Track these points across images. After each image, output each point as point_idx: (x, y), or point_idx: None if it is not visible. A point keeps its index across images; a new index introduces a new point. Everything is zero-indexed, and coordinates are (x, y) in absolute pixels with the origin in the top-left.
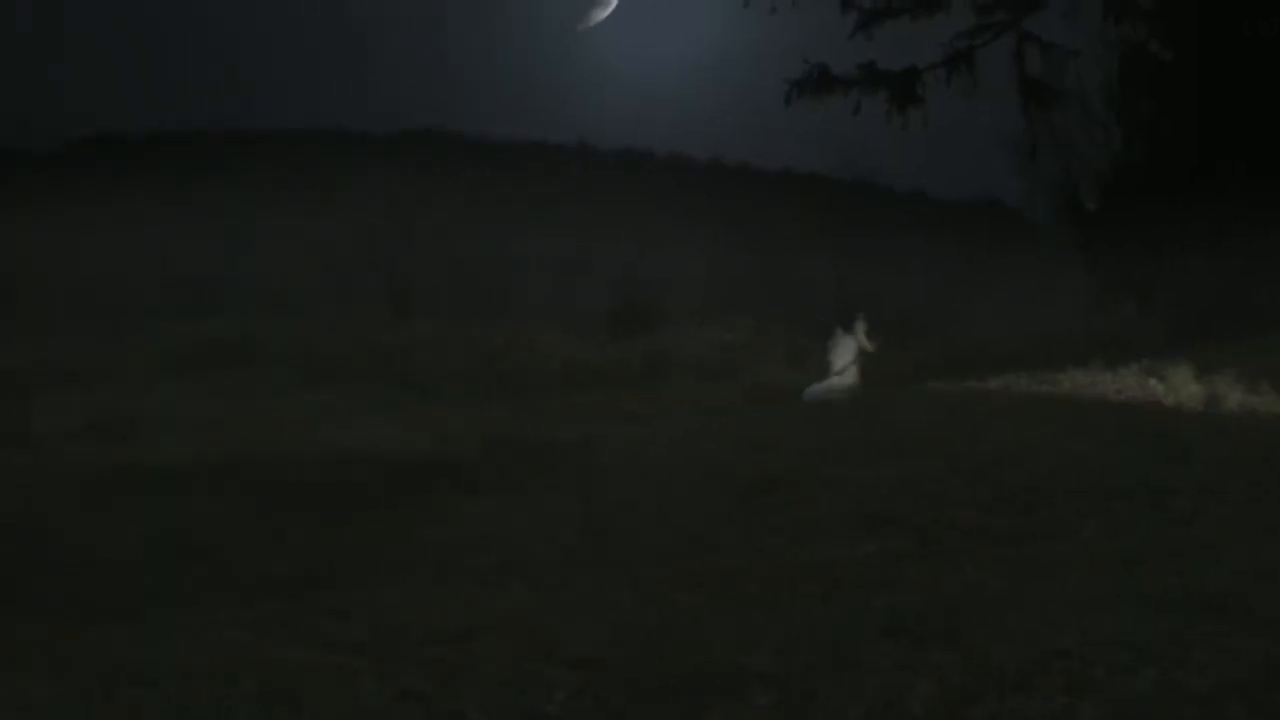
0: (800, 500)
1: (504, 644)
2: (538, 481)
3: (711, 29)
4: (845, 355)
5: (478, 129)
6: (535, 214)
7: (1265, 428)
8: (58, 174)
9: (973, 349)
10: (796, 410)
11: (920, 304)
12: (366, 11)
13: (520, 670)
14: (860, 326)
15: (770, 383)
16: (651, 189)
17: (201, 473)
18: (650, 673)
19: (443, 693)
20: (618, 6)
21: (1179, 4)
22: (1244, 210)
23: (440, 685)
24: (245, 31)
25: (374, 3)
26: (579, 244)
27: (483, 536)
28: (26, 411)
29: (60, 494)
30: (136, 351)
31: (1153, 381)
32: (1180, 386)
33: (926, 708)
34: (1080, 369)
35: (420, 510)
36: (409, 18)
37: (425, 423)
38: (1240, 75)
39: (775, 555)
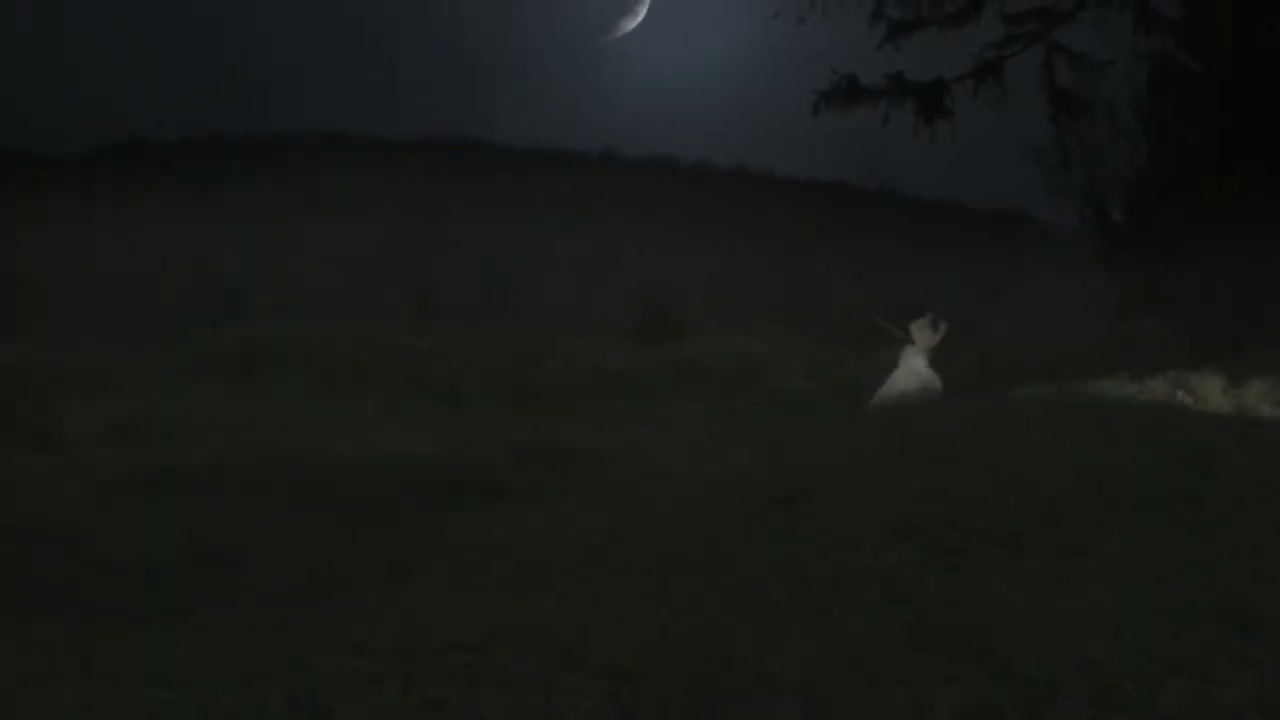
0: (824, 509)
1: (527, 651)
2: (560, 488)
3: (738, 38)
4: (917, 355)
5: (503, 135)
6: (560, 220)
7: None
8: (85, 179)
9: (998, 358)
10: (819, 418)
11: (945, 313)
12: (391, 17)
13: (543, 678)
14: (928, 321)
15: (793, 390)
16: (676, 196)
17: (224, 477)
18: (674, 681)
19: (465, 700)
20: (645, 14)
21: (1208, 15)
22: (1272, 221)
23: (463, 692)
24: (271, 38)
25: (399, 9)
26: (603, 250)
27: (505, 543)
28: (52, 415)
29: (84, 497)
30: (160, 356)
31: (1180, 392)
32: (1208, 397)
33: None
34: (1107, 379)
35: (442, 516)
36: (434, 24)
37: (449, 428)
38: (1270, 86)
39: (799, 563)
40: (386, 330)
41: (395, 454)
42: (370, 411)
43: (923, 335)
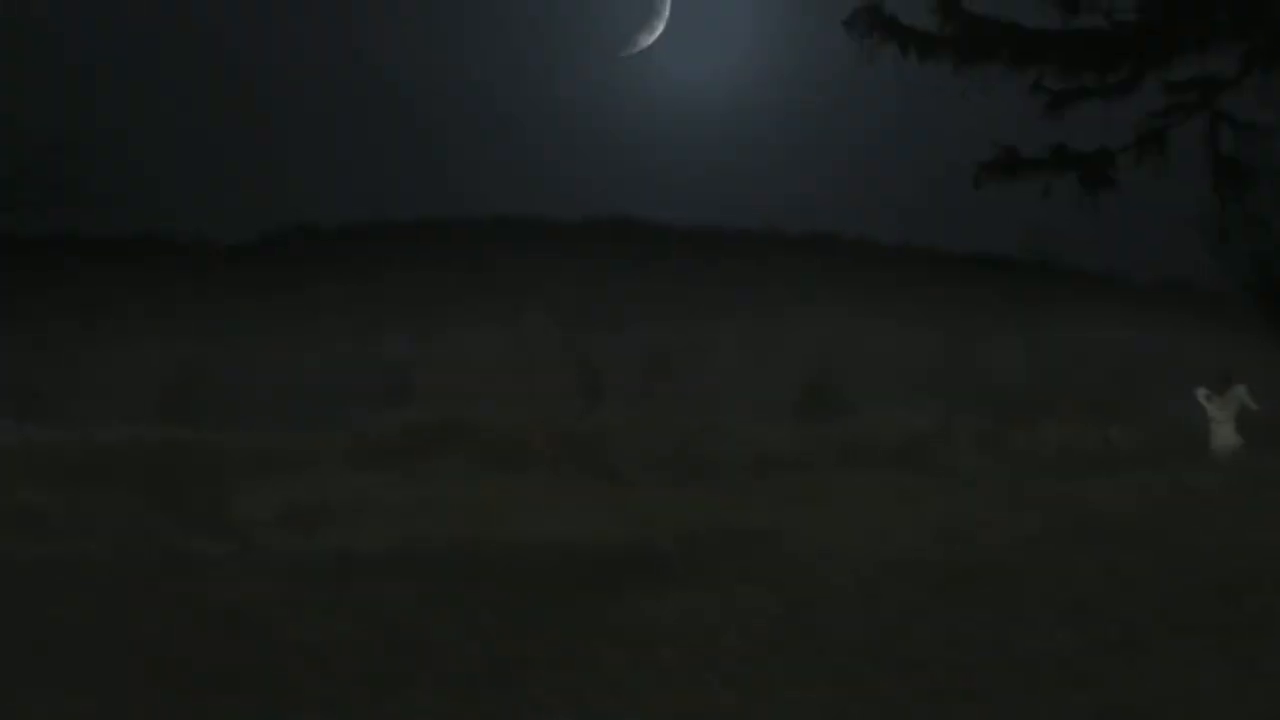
0: (996, 590)
1: None
2: (730, 570)
3: (899, 113)
4: (1228, 413)
5: (665, 215)
6: (723, 299)
7: None
8: (254, 264)
9: (1169, 434)
10: (988, 497)
11: (1115, 386)
12: (554, 100)
13: None
14: (1243, 388)
15: (962, 468)
16: (839, 272)
17: (397, 561)
18: None
19: None
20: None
21: None
22: None
23: None
24: (437, 122)
25: (563, 94)
26: (767, 328)
27: (675, 626)
28: (225, 500)
29: (260, 582)
30: (328, 440)
31: None
32: None
33: None
34: None
35: (612, 598)
36: (596, 107)
37: (620, 510)
38: None
39: (971, 646)
40: (553, 412)
41: (565, 536)
42: (541, 494)
43: (1233, 402)
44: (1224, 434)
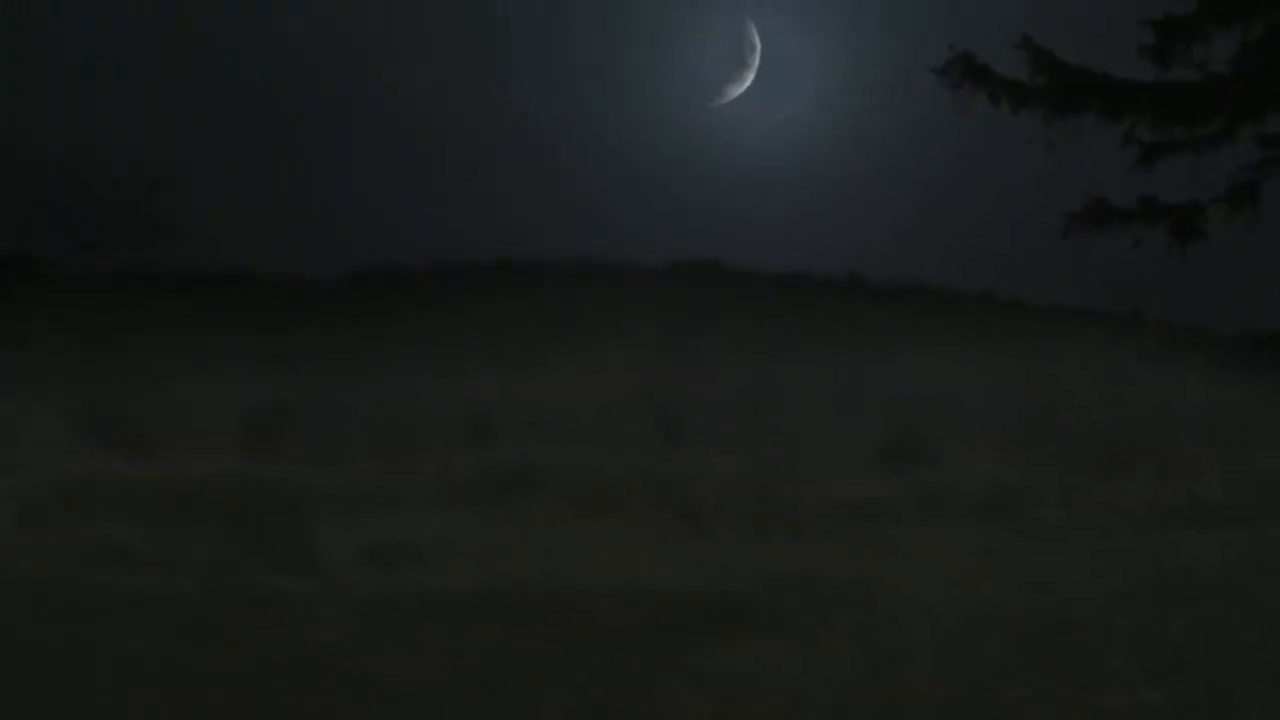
0: (1083, 645)
1: None
2: (813, 619)
3: (986, 162)
4: None
5: (749, 260)
6: (807, 345)
7: None
8: (338, 301)
9: (1260, 487)
10: (1076, 551)
11: (1202, 439)
12: (636, 144)
13: None
14: None
15: (1047, 521)
16: (923, 321)
17: (481, 602)
18: None
19: None
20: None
21: None
22: None
23: None
24: (523, 164)
25: (644, 137)
26: (850, 375)
27: (761, 676)
28: (308, 536)
29: (344, 621)
30: (416, 479)
31: None
32: None
33: None
34: None
35: (695, 646)
36: (678, 150)
37: (701, 556)
38: None
39: (1060, 702)
40: (634, 455)
41: (646, 581)
42: (625, 538)
43: None
44: None
